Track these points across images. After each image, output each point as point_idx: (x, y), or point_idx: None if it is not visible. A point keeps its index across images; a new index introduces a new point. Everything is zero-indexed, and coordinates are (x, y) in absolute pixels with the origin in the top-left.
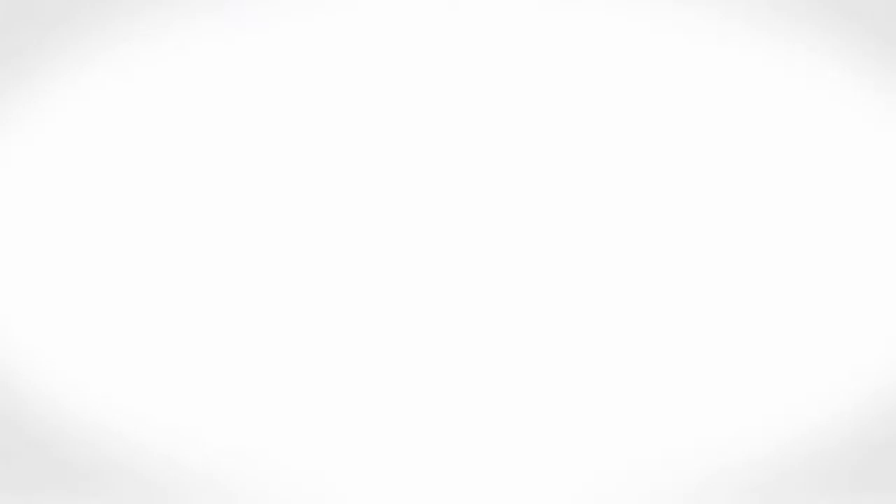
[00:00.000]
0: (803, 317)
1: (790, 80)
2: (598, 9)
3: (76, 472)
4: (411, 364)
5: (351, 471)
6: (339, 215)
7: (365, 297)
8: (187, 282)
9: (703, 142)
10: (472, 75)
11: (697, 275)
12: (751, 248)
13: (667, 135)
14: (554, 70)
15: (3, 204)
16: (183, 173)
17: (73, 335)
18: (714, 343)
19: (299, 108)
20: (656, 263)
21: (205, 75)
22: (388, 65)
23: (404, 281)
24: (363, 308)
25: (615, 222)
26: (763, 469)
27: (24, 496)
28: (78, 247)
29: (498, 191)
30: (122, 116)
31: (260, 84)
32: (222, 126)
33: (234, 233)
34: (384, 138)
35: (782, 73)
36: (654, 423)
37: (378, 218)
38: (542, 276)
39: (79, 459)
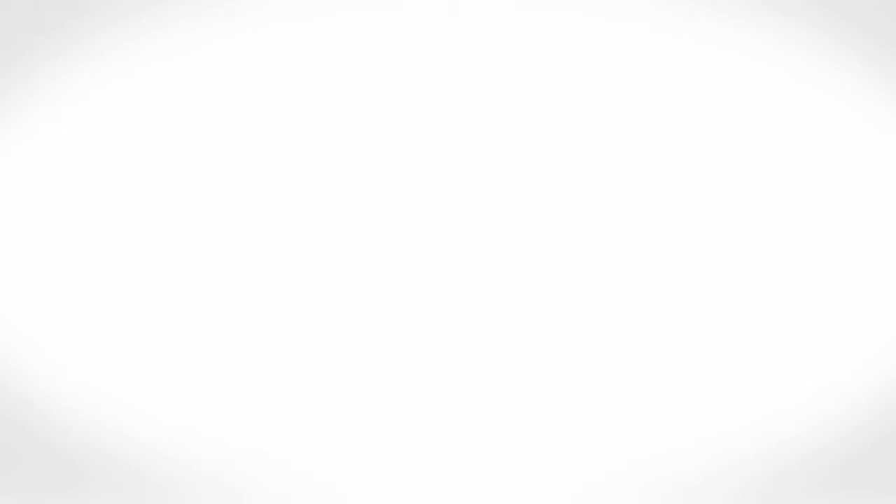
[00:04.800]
0: (803, 317)
1: (790, 80)
2: (599, 9)
3: (76, 472)
4: (411, 365)
5: (351, 472)
6: (342, 220)
7: (366, 299)
8: (188, 282)
9: (702, 142)
10: (473, 76)
11: (697, 276)
12: (751, 249)
13: (667, 135)
14: (554, 71)
15: (3, 204)
16: (184, 176)
17: (73, 335)
18: (713, 344)
19: (297, 109)
20: (656, 265)
21: (205, 75)
22: (389, 65)
23: (404, 283)
24: (364, 310)
25: (615, 224)
26: (763, 469)
27: (25, 496)
28: (79, 247)
29: (499, 193)
30: (121, 116)
31: (258, 84)
32: (222, 126)
33: (235, 233)
34: (384, 139)
35: (782, 74)
36: (654, 424)
37: (379, 222)
38: (542, 277)
39: (79, 459)
